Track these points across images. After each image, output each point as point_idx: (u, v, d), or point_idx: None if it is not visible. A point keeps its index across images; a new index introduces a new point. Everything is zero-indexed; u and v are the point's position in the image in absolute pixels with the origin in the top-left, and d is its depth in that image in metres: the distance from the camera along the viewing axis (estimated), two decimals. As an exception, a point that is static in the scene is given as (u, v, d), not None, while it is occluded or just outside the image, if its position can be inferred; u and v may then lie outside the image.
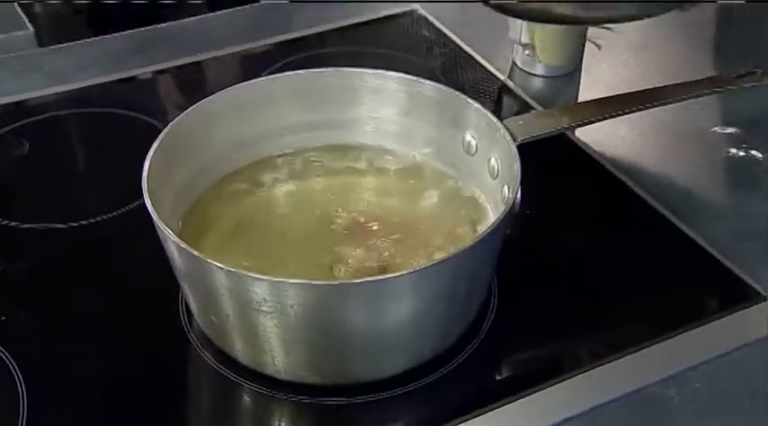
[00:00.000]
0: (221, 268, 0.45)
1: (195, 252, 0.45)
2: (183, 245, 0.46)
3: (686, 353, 0.52)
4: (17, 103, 0.74)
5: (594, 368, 0.51)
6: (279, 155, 0.59)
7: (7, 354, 0.51)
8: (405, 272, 0.44)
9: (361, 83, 0.57)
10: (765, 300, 0.55)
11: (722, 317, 0.54)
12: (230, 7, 0.89)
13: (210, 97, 0.55)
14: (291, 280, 0.44)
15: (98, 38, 0.83)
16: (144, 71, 0.79)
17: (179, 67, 0.79)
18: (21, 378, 0.50)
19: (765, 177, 0.66)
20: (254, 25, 0.86)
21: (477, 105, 0.55)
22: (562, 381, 0.50)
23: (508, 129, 0.52)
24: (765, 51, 0.78)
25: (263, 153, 0.59)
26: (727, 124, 0.70)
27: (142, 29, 0.85)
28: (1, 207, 0.63)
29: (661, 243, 0.60)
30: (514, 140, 0.52)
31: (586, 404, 0.49)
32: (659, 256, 0.59)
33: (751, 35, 0.75)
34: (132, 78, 0.78)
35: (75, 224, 0.61)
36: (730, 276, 0.57)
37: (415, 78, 0.57)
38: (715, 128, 0.70)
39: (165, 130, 0.53)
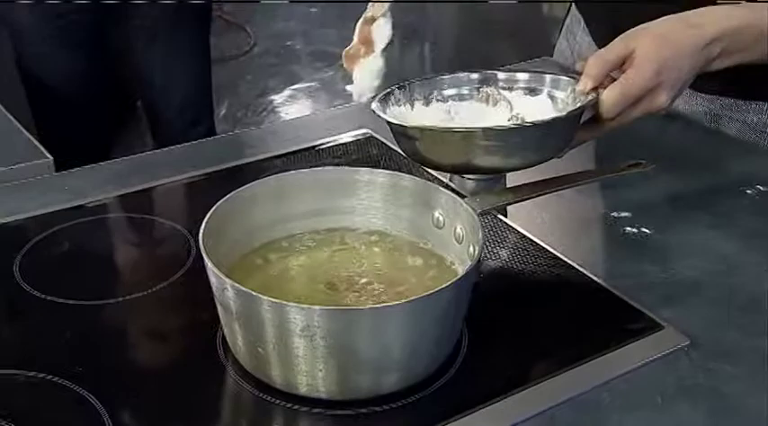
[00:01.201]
0: (271, 301, 0.60)
1: (250, 291, 0.61)
2: (240, 287, 0.61)
3: (613, 367, 0.70)
4: (48, 214, 0.88)
5: (548, 379, 0.68)
6: (287, 236, 0.76)
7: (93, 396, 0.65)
8: (412, 299, 0.61)
9: (355, 177, 0.76)
10: (663, 328, 0.74)
11: (637, 340, 0.72)
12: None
13: (241, 188, 0.72)
14: (318, 307, 0.60)
15: (105, 162, 0.99)
16: (149, 185, 0.95)
17: (176, 182, 0.96)
18: (103, 411, 0.64)
19: (653, 248, 0.86)
20: (239, 147, 1.04)
21: (444, 190, 0.74)
22: (526, 389, 0.67)
23: (469, 205, 0.71)
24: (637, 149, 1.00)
25: (280, 233, 0.76)
26: (621, 209, 0.91)
27: (142, 154, 1.02)
28: (61, 290, 0.76)
29: (584, 292, 0.79)
30: (475, 212, 0.70)
31: (545, 405, 0.66)
32: (584, 301, 0.78)
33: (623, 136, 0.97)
34: (141, 191, 0.93)
35: (117, 300, 0.76)
36: (638, 313, 0.75)
37: (395, 172, 0.76)
38: (613, 213, 0.91)
39: (209, 214, 0.69)
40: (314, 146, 1.02)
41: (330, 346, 0.61)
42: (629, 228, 0.88)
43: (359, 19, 1.01)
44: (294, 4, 4.28)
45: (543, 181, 0.78)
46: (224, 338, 0.69)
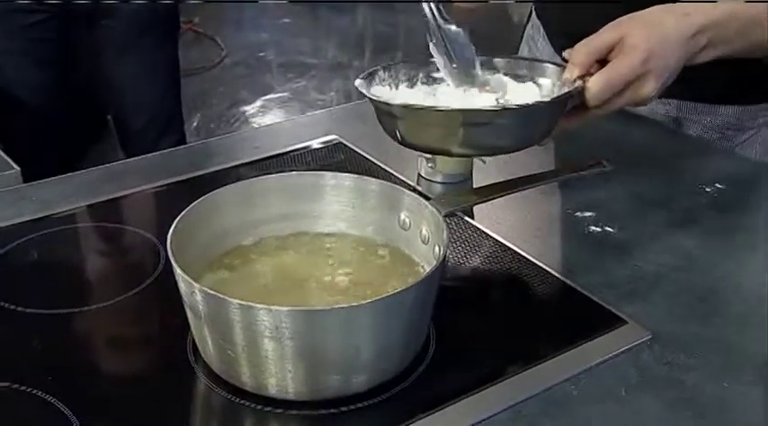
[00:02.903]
0: (239, 303, 0.61)
1: (218, 293, 0.62)
2: (208, 290, 0.62)
3: (579, 361, 0.71)
4: (17, 224, 0.88)
5: (515, 375, 0.70)
6: (256, 241, 0.77)
7: (62, 404, 0.65)
8: (378, 298, 0.62)
9: (321, 181, 0.77)
10: (626, 323, 0.75)
11: (601, 335, 0.74)
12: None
13: (209, 194, 0.73)
14: (286, 308, 0.61)
15: (74, 173, 0.99)
16: (118, 194, 0.95)
17: (145, 191, 0.96)
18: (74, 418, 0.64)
19: (616, 246, 0.88)
20: (209, 155, 1.05)
21: (409, 192, 0.75)
22: (494, 385, 0.68)
23: (434, 206, 0.72)
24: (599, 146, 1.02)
25: (249, 238, 0.77)
26: (585, 209, 0.93)
27: (111, 163, 1.02)
28: (32, 301, 0.76)
29: (550, 290, 0.80)
30: (440, 213, 0.71)
31: (513, 400, 0.67)
32: (550, 299, 0.80)
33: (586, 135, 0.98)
34: (110, 200, 0.94)
35: (87, 308, 0.76)
36: (602, 309, 0.77)
37: (362, 177, 0.77)
38: (577, 213, 0.92)
39: (177, 219, 0.70)
40: (283, 153, 1.03)
41: (298, 347, 0.62)
42: (592, 227, 0.90)
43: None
44: (265, 15, 4.29)
45: (507, 181, 0.79)
46: (194, 343, 0.69)
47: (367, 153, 1.02)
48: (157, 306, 0.77)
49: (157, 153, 1.08)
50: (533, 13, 1.24)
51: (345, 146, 1.04)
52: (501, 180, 0.81)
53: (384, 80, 0.84)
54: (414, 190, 0.93)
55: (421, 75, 0.86)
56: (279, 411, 0.65)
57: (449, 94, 0.84)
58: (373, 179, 0.77)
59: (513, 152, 0.81)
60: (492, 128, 0.76)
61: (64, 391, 0.66)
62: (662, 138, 1.09)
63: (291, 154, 1.03)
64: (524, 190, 0.80)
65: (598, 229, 0.90)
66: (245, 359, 0.64)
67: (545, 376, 0.70)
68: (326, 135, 1.07)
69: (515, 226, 0.90)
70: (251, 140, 1.13)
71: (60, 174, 1.00)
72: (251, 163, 1.01)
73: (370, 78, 0.83)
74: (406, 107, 0.78)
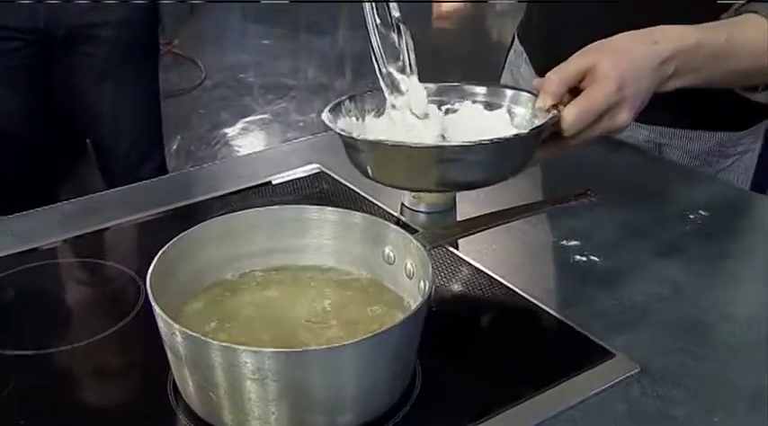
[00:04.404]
0: (220, 345, 0.60)
1: (199, 336, 0.60)
2: (189, 331, 0.61)
3: (567, 397, 0.70)
4: (-4, 260, 0.87)
5: (502, 412, 0.68)
6: (238, 276, 0.76)
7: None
8: (364, 337, 0.61)
9: (304, 215, 0.76)
10: (615, 356, 0.74)
11: (590, 369, 0.73)
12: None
13: (191, 230, 0.72)
14: (269, 350, 0.60)
15: (54, 205, 0.97)
16: (94, 229, 0.93)
17: (126, 224, 0.95)
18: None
19: (602, 275, 0.87)
20: (190, 185, 1.04)
21: (394, 227, 0.74)
22: (481, 423, 0.67)
23: (419, 240, 0.71)
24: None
25: (230, 273, 0.75)
26: (570, 238, 0.92)
27: (91, 195, 1.01)
28: (7, 340, 0.75)
29: (535, 322, 0.79)
30: (425, 248, 0.70)
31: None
32: (535, 331, 0.79)
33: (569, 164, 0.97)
34: (85, 234, 0.92)
35: (65, 347, 0.75)
36: (590, 342, 0.76)
37: (345, 210, 0.76)
38: (562, 242, 0.92)
39: (157, 257, 0.68)
40: (265, 183, 1.02)
41: (282, 388, 0.61)
42: (577, 256, 0.90)
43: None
44: (246, 36, 4.29)
45: (492, 213, 0.79)
46: (175, 383, 0.68)
47: (349, 182, 1.01)
48: (137, 345, 0.75)
49: (138, 184, 1.06)
50: (516, 38, 1.24)
51: (328, 175, 1.03)
52: (485, 211, 0.81)
53: (350, 111, 0.81)
54: (398, 221, 0.92)
55: (388, 103, 0.84)
56: (262, 453, 0.64)
57: (420, 122, 0.82)
58: (357, 213, 0.76)
59: (486, 186, 0.79)
60: (465, 163, 0.74)
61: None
62: (644, 165, 1.09)
63: (273, 184, 1.02)
64: (509, 222, 0.79)
65: (583, 258, 0.89)
66: (228, 400, 0.62)
67: (533, 412, 0.69)
68: (308, 163, 1.06)
69: (499, 256, 0.89)
70: (233, 169, 1.12)
71: (40, 201, 0.98)
72: (233, 193, 1.00)
73: (336, 110, 0.81)
74: (374, 143, 0.76)
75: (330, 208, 0.76)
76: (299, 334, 0.70)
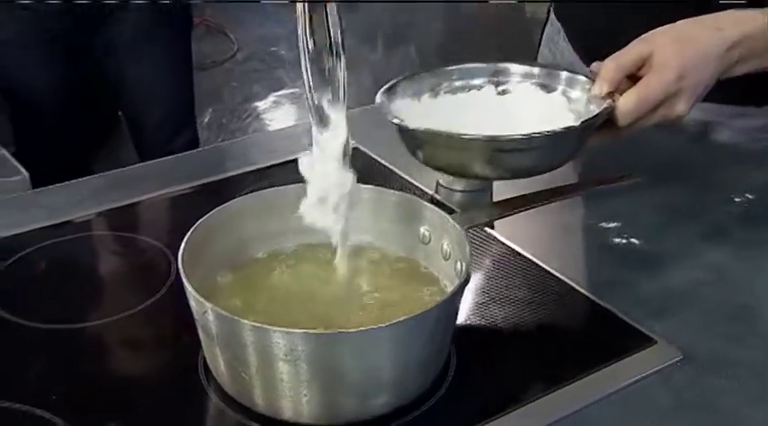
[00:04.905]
0: (253, 325, 0.58)
1: (231, 315, 0.59)
2: (221, 311, 0.59)
3: (606, 384, 0.68)
4: (25, 233, 0.86)
5: (540, 398, 0.66)
6: (271, 254, 0.74)
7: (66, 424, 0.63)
8: (399, 320, 0.59)
9: (340, 192, 0.74)
10: (656, 343, 0.72)
11: (629, 356, 0.71)
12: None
13: (222, 206, 0.70)
14: (302, 331, 0.58)
15: (86, 178, 0.97)
16: (127, 202, 0.92)
17: (158, 198, 0.93)
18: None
19: (643, 259, 0.85)
20: (223, 160, 1.03)
21: (430, 206, 0.72)
22: (517, 409, 0.65)
23: (456, 221, 0.69)
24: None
25: (262, 251, 0.74)
26: (610, 220, 0.89)
27: (119, 170, 1.00)
28: (38, 314, 0.74)
29: (574, 307, 0.77)
30: (463, 229, 0.68)
31: (539, 424, 0.64)
32: (574, 316, 0.77)
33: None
34: (118, 208, 0.91)
35: (96, 322, 0.74)
36: (629, 328, 0.74)
37: (381, 188, 0.74)
38: (602, 224, 0.89)
39: (189, 234, 0.67)
40: (296, 159, 1.00)
41: (315, 370, 0.59)
42: (617, 239, 0.87)
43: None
44: (278, 10, 4.26)
45: (531, 194, 0.76)
46: (205, 361, 0.67)
47: (384, 159, 0.99)
48: (168, 321, 0.74)
49: (171, 157, 1.05)
50: (551, 13, 1.21)
51: (362, 152, 1.01)
52: (523, 192, 0.78)
53: (406, 91, 0.80)
54: (432, 199, 0.90)
55: (444, 84, 0.82)
56: (292, 434, 0.62)
57: (475, 104, 0.80)
58: (393, 191, 0.74)
59: (537, 175, 0.78)
60: (518, 154, 0.73)
61: (68, 411, 0.64)
62: (689, 145, 1.05)
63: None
64: (549, 204, 0.76)
65: (623, 241, 0.87)
66: (259, 381, 0.61)
67: (570, 399, 0.67)
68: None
69: (536, 237, 0.87)
70: (265, 144, 1.10)
71: (73, 174, 0.98)
72: (266, 168, 0.99)
73: (391, 91, 0.79)
74: (429, 132, 0.75)
75: (366, 186, 0.73)
76: (332, 314, 0.68)
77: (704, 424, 0.66)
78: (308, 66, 0.66)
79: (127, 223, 0.90)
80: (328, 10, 0.65)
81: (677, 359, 0.70)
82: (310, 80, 0.67)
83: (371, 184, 0.76)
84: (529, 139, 0.72)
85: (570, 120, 0.78)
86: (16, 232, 0.85)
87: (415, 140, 0.75)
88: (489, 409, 0.65)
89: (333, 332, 0.61)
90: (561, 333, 0.74)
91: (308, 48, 0.66)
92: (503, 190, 0.93)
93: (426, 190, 0.94)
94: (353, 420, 0.63)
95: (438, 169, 0.81)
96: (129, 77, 1.78)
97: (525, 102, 0.80)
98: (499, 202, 0.77)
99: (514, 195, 0.78)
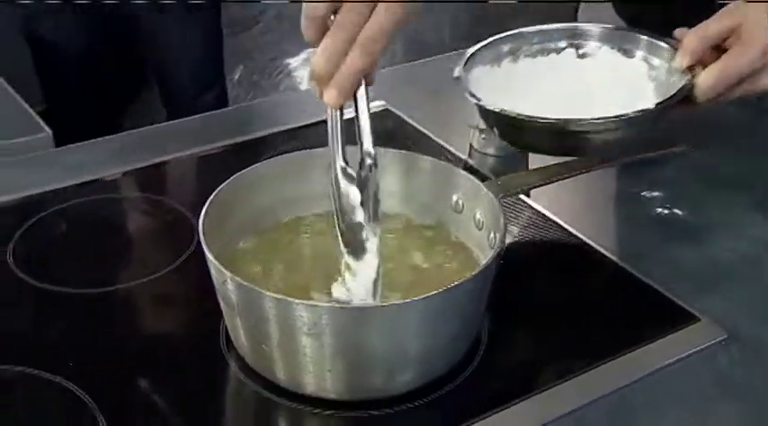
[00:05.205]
0: (275, 297, 0.56)
1: (253, 286, 0.56)
2: (242, 281, 0.56)
3: (645, 363, 0.65)
4: (46, 193, 0.83)
5: (574, 378, 0.63)
6: (296, 220, 0.71)
7: (83, 391, 0.61)
8: (429, 295, 0.56)
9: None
10: (699, 321, 0.69)
11: (670, 334, 0.67)
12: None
13: (246, 170, 0.67)
14: (326, 305, 0.56)
15: (108, 137, 0.94)
16: (148, 164, 0.89)
17: (183, 158, 0.91)
18: (96, 407, 0.59)
19: (687, 230, 0.81)
20: (251, 120, 1.00)
21: (464, 173, 0.68)
22: (551, 388, 0.62)
23: (490, 189, 0.66)
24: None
25: (288, 216, 0.71)
26: (653, 189, 0.85)
27: (144, 128, 0.97)
28: (57, 277, 0.72)
29: (613, 281, 0.73)
30: (496, 197, 0.65)
31: (572, 406, 0.61)
32: (612, 291, 0.73)
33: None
34: (141, 169, 0.88)
35: (115, 287, 0.72)
36: (671, 304, 0.70)
37: (411, 153, 0.70)
38: (643, 193, 0.85)
39: (212, 195, 0.64)
40: (325, 120, 0.97)
41: (339, 345, 0.57)
42: (660, 209, 0.83)
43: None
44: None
45: (570, 162, 0.72)
46: (227, 330, 0.64)
47: (415, 120, 0.95)
48: (190, 288, 0.71)
49: (199, 116, 1.01)
50: None
51: (393, 113, 0.97)
52: (562, 159, 0.74)
53: (485, 58, 0.77)
54: (465, 165, 0.86)
55: (524, 47, 0.79)
56: (316, 410, 0.60)
57: (557, 67, 0.76)
58: (425, 156, 0.70)
59: (612, 154, 0.75)
60: (596, 135, 0.69)
61: (84, 377, 0.62)
62: (739, 111, 0.99)
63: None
64: (588, 172, 0.72)
65: (666, 211, 0.82)
66: (281, 354, 0.59)
67: (606, 379, 0.63)
68: (373, 100, 1.00)
69: (574, 206, 0.83)
70: (296, 104, 1.06)
71: (102, 132, 0.95)
72: (295, 129, 0.95)
73: (470, 61, 0.76)
74: (507, 114, 0.71)
75: (395, 151, 0.70)
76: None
77: (748, 409, 0.62)
78: (339, 180, 0.62)
79: (152, 184, 0.87)
80: (361, 123, 0.64)
81: (721, 338, 0.67)
82: (339, 200, 0.62)
83: (402, 148, 0.72)
84: (611, 121, 0.69)
85: (650, 89, 0.74)
86: (38, 191, 0.83)
87: (492, 119, 0.72)
88: (521, 387, 0.62)
89: (359, 306, 0.58)
90: (598, 309, 0.70)
91: (340, 164, 0.62)
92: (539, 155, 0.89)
93: (459, 154, 0.90)
94: (379, 396, 0.60)
95: (515, 146, 0.78)
96: (158, 34, 1.75)
97: (605, 68, 0.77)
98: (536, 170, 0.73)
99: (552, 162, 0.74)
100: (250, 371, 0.62)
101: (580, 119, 0.69)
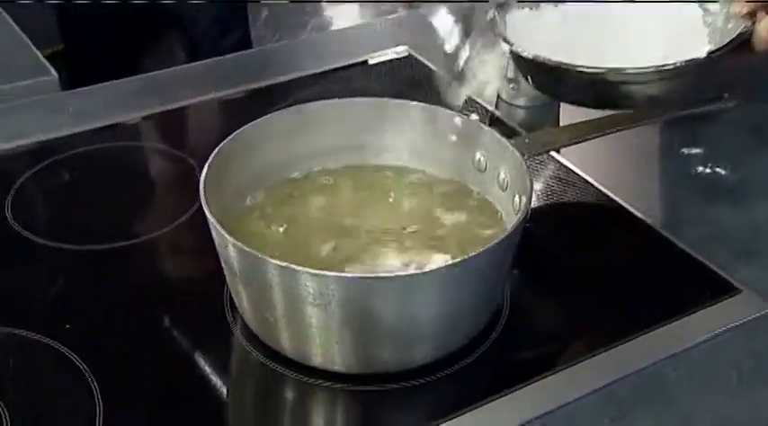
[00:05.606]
0: (278, 264, 0.51)
1: (255, 252, 0.52)
2: (243, 247, 0.52)
3: (680, 338, 0.60)
4: (51, 140, 0.79)
5: (602, 352, 0.58)
6: (313, 173, 0.67)
7: (77, 357, 0.57)
8: (446, 265, 0.51)
9: (387, 110, 0.65)
10: (741, 292, 0.63)
11: (709, 306, 0.62)
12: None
13: (256, 121, 0.63)
14: (334, 274, 0.51)
15: (116, 81, 0.89)
16: (159, 110, 0.85)
17: (192, 105, 0.86)
18: (91, 376, 0.56)
19: (729, 191, 0.75)
20: (266, 65, 0.95)
21: (488, 128, 0.63)
22: (577, 363, 0.58)
23: (517, 147, 0.60)
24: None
25: (298, 171, 0.67)
26: (693, 145, 0.79)
27: (155, 72, 0.92)
28: (56, 232, 0.68)
29: (648, 247, 0.68)
30: (523, 156, 0.60)
31: (599, 383, 0.57)
32: (647, 258, 0.67)
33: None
34: (151, 115, 0.84)
35: (117, 244, 0.68)
36: (710, 273, 0.65)
37: (432, 106, 0.65)
38: (683, 149, 0.79)
39: (216, 150, 0.60)
40: (347, 66, 0.92)
41: (348, 316, 0.52)
42: (700, 168, 0.77)
43: None
44: None
45: (604, 118, 0.66)
46: (231, 296, 0.60)
47: (440, 68, 0.90)
48: (194, 247, 0.67)
49: (211, 60, 0.96)
50: None
51: (416, 59, 0.92)
52: (596, 115, 0.69)
53: (524, 1, 0.71)
54: (492, 117, 0.81)
55: None
56: (324, 383, 0.56)
57: (602, 14, 0.70)
58: (445, 109, 0.65)
59: (660, 106, 0.69)
60: (645, 86, 0.63)
61: (80, 341, 0.58)
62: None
63: (356, 67, 0.91)
64: (623, 130, 0.66)
65: (706, 170, 0.77)
66: (285, 324, 0.55)
67: (637, 354, 0.59)
68: (397, 45, 0.94)
69: (607, 164, 0.78)
70: (314, 47, 1.01)
71: (119, 75, 0.90)
72: (312, 76, 0.90)
73: (506, 5, 0.70)
74: (544, 62, 0.65)
75: (414, 103, 0.65)
76: (370, 247, 0.61)
77: (792, 390, 0.58)
78: None
79: (158, 133, 0.83)
80: None
81: (764, 312, 0.62)
82: None
83: (424, 99, 0.67)
84: (653, 72, 0.63)
85: (704, 36, 0.68)
86: (40, 139, 0.79)
87: (527, 67, 0.67)
88: (544, 362, 0.58)
89: (369, 276, 0.54)
90: (630, 277, 0.65)
91: None
92: (571, 107, 0.83)
93: (486, 105, 0.84)
94: (391, 369, 0.56)
95: (550, 96, 0.73)
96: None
97: (655, 13, 0.70)
98: (567, 127, 0.67)
99: (584, 117, 0.68)
100: (255, 340, 0.58)
101: (624, 69, 0.64)
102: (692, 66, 0.63)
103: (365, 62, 0.93)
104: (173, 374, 0.57)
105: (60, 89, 0.88)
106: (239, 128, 0.63)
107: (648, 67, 0.63)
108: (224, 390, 0.57)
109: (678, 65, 0.63)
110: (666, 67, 0.63)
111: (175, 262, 0.68)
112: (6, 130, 0.80)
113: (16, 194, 0.72)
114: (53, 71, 0.89)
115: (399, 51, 0.92)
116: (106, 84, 0.90)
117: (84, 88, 0.89)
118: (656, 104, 0.67)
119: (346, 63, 0.92)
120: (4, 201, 0.71)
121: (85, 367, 0.56)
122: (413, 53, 0.92)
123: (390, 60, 0.92)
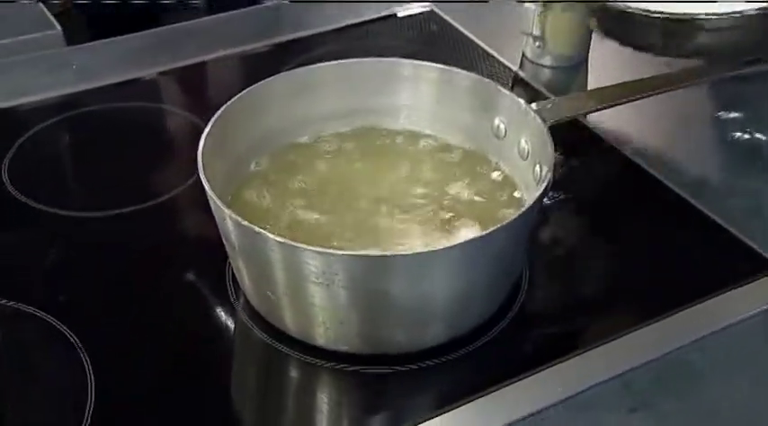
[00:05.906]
0: (278, 240, 0.48)
1: (253, 226, 0.48)
2: (241, 220, 0.49)
3: (709, 320, 0.56)
4: (53, 98, 0.76)
5: (625, 335, 0.55)
6: (321, 138, 0.63)
7: (72, 332, 0.54)
8: (461, 241, 0.48)
9: (399, 71, 0.61)
10: (778, 270, 0.59)
11: (739, 287, 0.58)
12: (229, 9, 0.93)
13: (259, 83, 0.59)
14: (338, 252, 0.48)
15: (123, 36, 0.85)
16: (168, 68, 0.81)
17: (200, 63, 0.82)
18: (85, 353, 0.53)
19: (768, 160, 0.71)
20: (276, 21, 0.91)
21: (507, 92, 0.59)
22: (598, 346, 0.54)
23: (539, 113, 0.56)
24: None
25: (305, 135, 0.63)
26: (731, 109, 0.74)
27: (164, 27, 0.88)
28: (55, 197, 0.65)
29: (678, 220, 0.64)
30: (545, 122, 0.55)
31: (621, 368, 0.53)
32: (677, 232, 0.63)
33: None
34: (160, 73, 0.80)
35: (122, 210, 0.64)
36: (745, 249, 0.61)
37: (448, 68, 0.61)
38: (720, 113, 0.74)
39: (217, 114, 0.56)
40: (365, 22, 0.87)
41: (354, 295, 0.49)
42: (738, 133, 0.72)
43: None
44: None
45: (634, 83, 0.62)
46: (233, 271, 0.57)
47: (464, 26, 0.85)
48: (196, 216, 0.63)
49: (219, 16, 0.91)
50: None
51: (439, 16, 0.87)
52: (625, 75, 0.64)
53: None
54: (516, 77, 0.76)
55: None
56: (329, 364, 0.53)
57: None
58: (462, 71, 0.60)
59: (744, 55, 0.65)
60: (709, 34, 0.60)
61: (74, 315, 0.55)
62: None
63: (375, 23, 0.87)
64: (656, 94, 0.62)
65: (746, 136, 0.72)
66: (288, 302, 0.51)
67: (663, 337, 0.55)
68: (420, 0, 0.90)
69: (636, 130, 0.73)
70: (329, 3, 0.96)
71: (129, 29, 0.87)
72: (327, 32, 0.86)
73: None
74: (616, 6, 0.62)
75: (430, 64, 0.61)
76: (380, 219, 0.57)
77: (830, 377, 0.54)
78: None
79: (163, 92, 0.80)
80: None
81: (803, 293, 0.58)
82: None
83: (445, 56, 0.63)
84: (736, 18, 0.60)
85: None
86: (42, 97, 0.76)
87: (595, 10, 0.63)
88: (563, 344, 0.54)
89: (376, 254, 0.50)
90: (658, 254, 0.61)
91: None
92: (599, 64, 0.78)
93: (509, 65, 0.80)
94: (401, 350, 0.53)
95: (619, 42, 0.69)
96: None
97: None
98: (594, 91, 0.63)
99: (613, 82, 0.63)
100: (258, 318, 0.55)
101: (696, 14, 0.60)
102: (759, 18, 0.59)
103: (386, 17, 0.88)
104: (168, 354, 0.54)
105: (65, 44, 0.84)
106: (247, 86, 0.59)
107: (716, 13, 0.59)
108: (225, 372, 0.54)
109: (752, 13, 0.58)
110: (736, 14, 0.58)
111: (177, 232, 0.64)
112: (6, 87, 0.77)
113: (14, 156, 0.69)
114: (57, 25, 0.85)
115: (422, 6, 0.88)
116: (113, 39, 0.86)
117: (89, 43, 0.85)
118: (719, 54, 0.62)
119: (365, 19, 0.88)
120: (1, 164, 0.68)
121: (77, 341, 0.53)
122: (435, 9, 0.87)
123: (415, 16, 0.88)
